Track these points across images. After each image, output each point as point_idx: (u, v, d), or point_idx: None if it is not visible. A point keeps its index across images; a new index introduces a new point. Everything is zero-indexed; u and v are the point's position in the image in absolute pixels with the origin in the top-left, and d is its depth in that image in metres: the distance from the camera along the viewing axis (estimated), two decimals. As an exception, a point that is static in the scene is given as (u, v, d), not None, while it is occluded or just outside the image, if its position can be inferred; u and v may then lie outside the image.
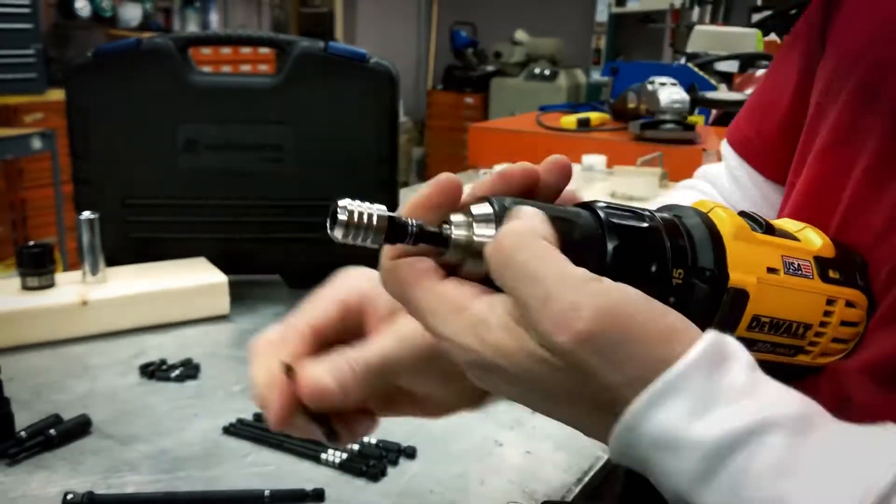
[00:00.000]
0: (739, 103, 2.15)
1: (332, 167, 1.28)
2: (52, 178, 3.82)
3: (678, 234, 0.41)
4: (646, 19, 6.23)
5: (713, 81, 2.63)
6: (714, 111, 2.54)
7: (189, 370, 1.01)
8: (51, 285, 1.12)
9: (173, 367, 1.02)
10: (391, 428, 0.90)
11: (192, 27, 5.24)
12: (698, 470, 0.36)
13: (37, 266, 1.11)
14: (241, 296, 1.26)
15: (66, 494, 0.74)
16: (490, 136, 2.34)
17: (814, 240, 0.47)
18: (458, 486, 0.80)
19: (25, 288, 1.11)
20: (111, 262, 1.23)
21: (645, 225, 0.40)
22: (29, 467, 0.81)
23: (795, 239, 0.46)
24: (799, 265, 0.44)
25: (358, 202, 0.39)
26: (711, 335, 0.37)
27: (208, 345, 1.11)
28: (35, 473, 0.80)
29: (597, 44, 6.38)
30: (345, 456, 0.83)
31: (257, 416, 0.91)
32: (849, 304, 0.45)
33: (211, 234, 1.28)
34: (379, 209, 0.39)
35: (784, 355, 0.45)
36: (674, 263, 0.40)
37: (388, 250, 0.43)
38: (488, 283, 0.40)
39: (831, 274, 0.45)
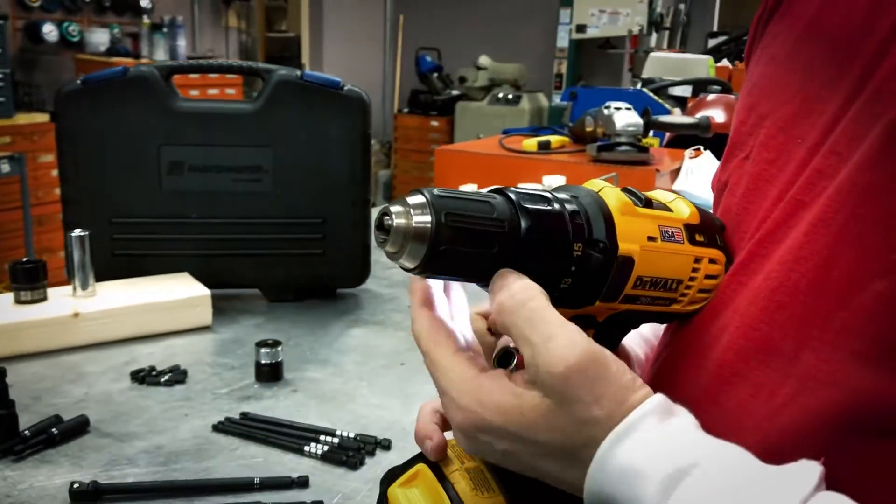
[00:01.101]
0: (691, 126, 2.28)
1: (309, 187, 1.36)
2: (21, 200, 3.85)
3: (576, 213, 0.48)
4: (605, 45, 6.42)
5: (668, 106, 2.76)
6: (668, 134, 2.66)
7: (177, 375, 1.09)
8: (43, 299, 1.19)
9: (162, 373, 1.10)
10: (366, 424, 0.98)
11: (160, 53, 5.29)
12: (658, 493, 0.42)
13: (30, 281, 1.18)
14: (223, 308, 1.34)
15: (72, 483, 0.81)
16: (456, 158, 2.44)
17: (683, 209, 0.55)
18: (430, 472, 0.89)
19: (19, 302, 1.18)
20: (98, 277, 1.30)
21: (549, 207, 0.47)
22: (34, 462, 0.88)
23: (668, 209, 0.54)
24: (672, 232, 0.52)
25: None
26: (661, 396, 0.45)
27: (194, 353, 1.19)
28: (40, 468, 0.87)
29: (558, 68, 6.54)
30: (326, 448, 0.91)
31: (244, 415, 0.99)
32: (711, 261, 0.54)
33: (193, 250, 1.35)
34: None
35: (661, 306, 0.53)
36: (574, 238, 0.47)
37: (418, 299, 0.51)
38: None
39: (697, 237, 0.53)
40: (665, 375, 0.58)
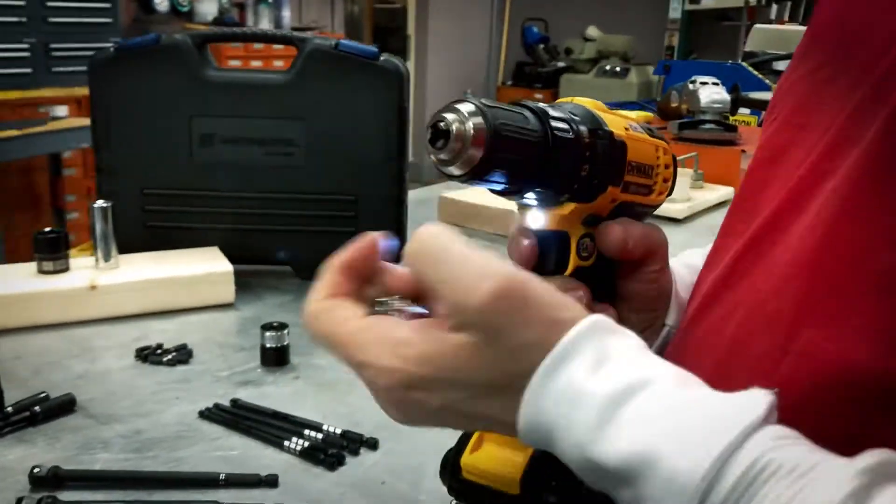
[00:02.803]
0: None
1: (342, 162, 1.30)
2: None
3: (573, 114, 0.54)
4: (721, 16, 6.10)
5: (768, 81, 2.56)
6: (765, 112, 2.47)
7: (181, 355, 1.05)
8: (65, 270, 1.18)
9: (167, 351, 1.06)
10: (359, 419, 0.92)
11: (265, 22, 5.36)
12: (594, 418, 0.39)
13: (51, 251, 1.17)
14: (249, 285, 1.30)
15: (33, 468, 0.78)
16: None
17: (631, 114, 0.61)
18: (411, 478, 0.82)
19: (41, 272, 1.17)
20: (130, 249, 1.28)
21: (560, 113, 0.53)
22: (11, 441, 0.86)
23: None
24: (636, 126, 0.59)
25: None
26: (599, 315, 0.43)
27: (207, 331, 1.15)
28: (15, 447, 0.85)
29: (670, 41, 6.26)
30: (307, 444, 0.85)
31: (234, 402, 0.94)
32: (664, 151, 0.61)
33: (225, 224, 1.32)
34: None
35: (645, 195, 0.60)
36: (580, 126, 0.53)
37: (315, 293, 0.47)
38: None
39: (648, 131, 0.61)
40: (684, 350, 0.57)
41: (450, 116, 0.46)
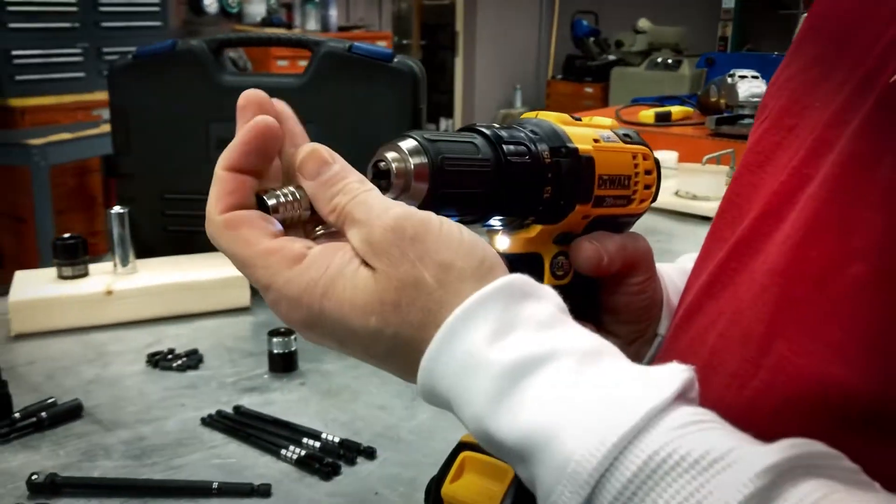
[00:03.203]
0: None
1: (357, 165, 1.29)
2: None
3: (534, 132, 0.52)
4: (776, 5, 5.93)
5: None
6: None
7: (191, 360, 1.06)
8: (84, 275, 1.20)
9: (178, 356, 1.07)
10: (359, 428, 0.91)
11: (312, 23, 5.40)
12: (492, 390, 0.38)
13: (70, 257, 1.19)
14: (267, 289, 1.31)
15: (31, 475, 0.79)
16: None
17: (604, 121, 0.59)
18: (404, 490, 0.80)
19: (61, 277, 1.19)
20: (150, 253, 1.30)
21: (519, 134, 0.51)
22: (17, 447, 0.87)
23: (593, 124, 0.59)
24: (609, 135, 0.57)
25: (280, 190, 0.46)
26: (518, 275, 0.41)
27: (220, 336, 1.16)
28: (20, 453, 0.86)
29: (723, 32, 6.11)
30: (304, 453, 0.85)
31: (236, 409, 0.94)
32: (644, 157, 0.59)
33: (243, 228, 1.32)
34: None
35: (622, 206, 0.58)
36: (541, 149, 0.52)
37: (216, 204, 0.45)
38: None
39: (624, 137, 0.58)
40: (669, 360, 0.53)
41: (390, 155, 0.46)
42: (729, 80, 1.99)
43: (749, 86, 1.95)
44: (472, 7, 6.95)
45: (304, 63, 1.33)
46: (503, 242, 0.54)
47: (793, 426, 0.39)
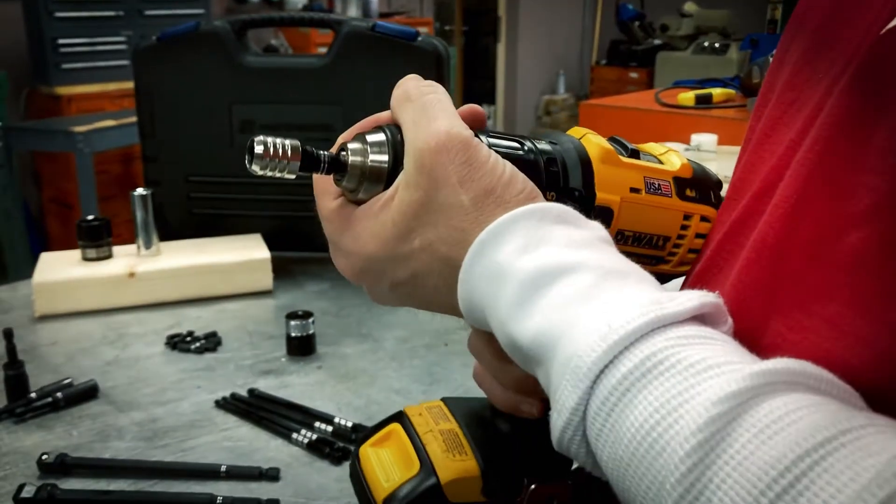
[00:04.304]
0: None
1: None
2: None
3: (552, 160, 0.46)
4: (828, -15, 5.76)
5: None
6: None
7: (210, 343, 1.05)
8: (108, 257, 1.20)
9: (197, 339, 1.07)
10: (374, 412, 0.90)
11: (353, 9, 5.38)
12: (515, 296, 0.39)
13: (94, 239, 1.19)
14: (291, 272, 1.30)
15: (41, 455, 0.79)
16: (602, 114, 2.26)
17: (674, 161, 0.51)
18: (414, 476, 0.78)
19: (85, 259, 1.19)
20: (176, 235, 1.30)
21: (522, 153, 0.46)
22: (32, 427, 0.87)
23: (658, 161, 0.51)
24: (659, 185, 0.49)
25: (272, 137, 0.43)
26: (557, 204, 0.42)
27: (241, 319, 1.15)
28: (34, 433, 0.86)
29: (773, 14, 5.92)
30: (315, 437, 0.84)
31: (251, 392, 0.93)
32: (703, 218, 0.51)
33: (266, 211, 1.31)
34: (293, 142, 0.44)
35: (647, 264, 0.48)
36: (547, 186, 0.45)
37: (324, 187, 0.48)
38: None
39: (688, 192, 0.50)
40: None
41: (353, 146, 0.44)
42: (772, 60, 1.92)
43: (792, 65, 1.88)
44: (515, -8, 6.87)
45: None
46: None
47: None
